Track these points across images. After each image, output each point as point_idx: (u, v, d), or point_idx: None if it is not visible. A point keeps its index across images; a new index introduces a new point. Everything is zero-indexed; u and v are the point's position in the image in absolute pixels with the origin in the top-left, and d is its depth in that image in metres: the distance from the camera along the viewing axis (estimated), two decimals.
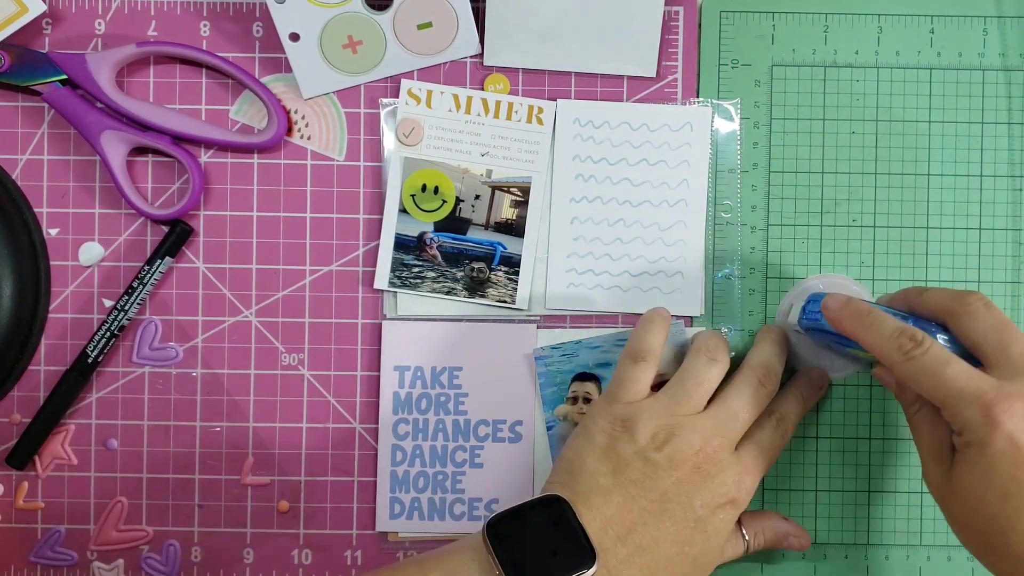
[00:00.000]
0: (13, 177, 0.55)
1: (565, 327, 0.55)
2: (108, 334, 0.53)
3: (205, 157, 0.55)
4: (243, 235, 0.55)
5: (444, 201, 0.54)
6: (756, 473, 0.48)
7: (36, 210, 0.55)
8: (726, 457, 0.47)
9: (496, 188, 0.54)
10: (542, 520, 0.45)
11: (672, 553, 0.45)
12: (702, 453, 0.46)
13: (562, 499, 0.45)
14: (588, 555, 0.44)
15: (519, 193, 0.54)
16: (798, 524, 0.53)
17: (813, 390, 0.53)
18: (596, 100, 0.55)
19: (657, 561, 0.45)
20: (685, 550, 0.46)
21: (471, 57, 0.55)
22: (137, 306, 0.54)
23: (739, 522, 0.50)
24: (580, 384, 0.54)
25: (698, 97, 0.55)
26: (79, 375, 0.54)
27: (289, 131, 0.55)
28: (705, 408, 0.48)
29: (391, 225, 0.54)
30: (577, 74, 0.55)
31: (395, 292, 0.55)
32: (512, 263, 0.54)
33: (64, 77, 0.53)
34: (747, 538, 0.51)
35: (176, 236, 0.54)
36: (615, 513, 0.45)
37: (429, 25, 0.53)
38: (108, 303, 0.55)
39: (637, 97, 0.55)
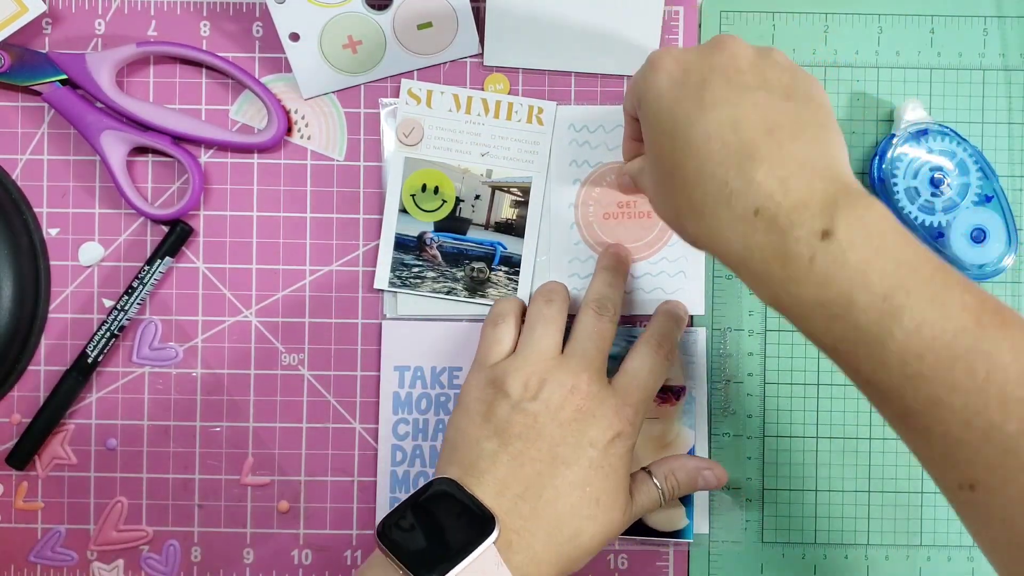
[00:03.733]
0: (13, 177, 0.55)
1: None
2: (108, 334, 0.53)
3: (205, 157, 0.55)
4: (243, 235, 0.55)
5: (444, 201, 0.54)
6: (634, 401, 0.48)
7: (36, 210, 0.55)
8: (600, 390, 0.47)
9: (496, 188, 0.54)
10: (432, 507, 0.44)
11: (575, 499, 0.45)
12: (576, 391, 0.47)
13: (445, 479, 0.45)
14: (487, 523, 0.43)
15: (519, 193, 0.54)
16: (709, 459, 0.53)
17: (680, 308, 0.53)
18: (596, 100, 0.55)
19: (561, 511, 0.45)
20: (587, 491, 0.45)
21: (471, 57, 0.55)
22: (137, 306, 0.54)
23: (648, 472, 0.50)
24: None
25: None
26: (79, 375, 0.54)
27: (289, 131, 0.55)
28: (562, 352, 0.49)
29: (391, 225, 0.54)
30: (577, 74, 0.55)
31: (395, 292, 0.55)
32: (512, 263, 0.54)
33: (64, 77, 0.53)
34: (658, 484, 0.50)
35: (176, 236, 0.54)
36: (507, 473, 0.45)
37: (429, 25, 0.53)
38: (108, 303, 0.55)
39: None
